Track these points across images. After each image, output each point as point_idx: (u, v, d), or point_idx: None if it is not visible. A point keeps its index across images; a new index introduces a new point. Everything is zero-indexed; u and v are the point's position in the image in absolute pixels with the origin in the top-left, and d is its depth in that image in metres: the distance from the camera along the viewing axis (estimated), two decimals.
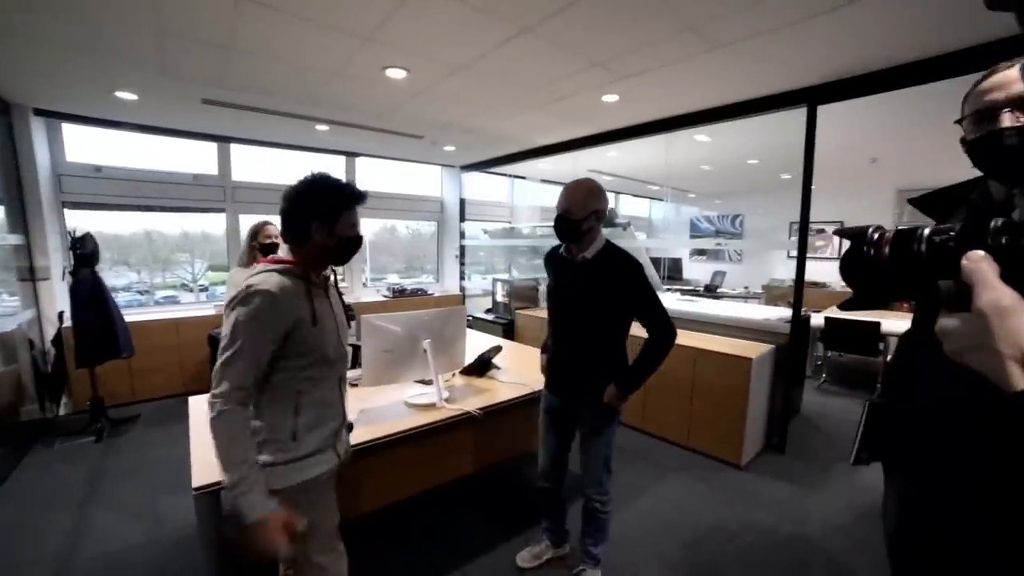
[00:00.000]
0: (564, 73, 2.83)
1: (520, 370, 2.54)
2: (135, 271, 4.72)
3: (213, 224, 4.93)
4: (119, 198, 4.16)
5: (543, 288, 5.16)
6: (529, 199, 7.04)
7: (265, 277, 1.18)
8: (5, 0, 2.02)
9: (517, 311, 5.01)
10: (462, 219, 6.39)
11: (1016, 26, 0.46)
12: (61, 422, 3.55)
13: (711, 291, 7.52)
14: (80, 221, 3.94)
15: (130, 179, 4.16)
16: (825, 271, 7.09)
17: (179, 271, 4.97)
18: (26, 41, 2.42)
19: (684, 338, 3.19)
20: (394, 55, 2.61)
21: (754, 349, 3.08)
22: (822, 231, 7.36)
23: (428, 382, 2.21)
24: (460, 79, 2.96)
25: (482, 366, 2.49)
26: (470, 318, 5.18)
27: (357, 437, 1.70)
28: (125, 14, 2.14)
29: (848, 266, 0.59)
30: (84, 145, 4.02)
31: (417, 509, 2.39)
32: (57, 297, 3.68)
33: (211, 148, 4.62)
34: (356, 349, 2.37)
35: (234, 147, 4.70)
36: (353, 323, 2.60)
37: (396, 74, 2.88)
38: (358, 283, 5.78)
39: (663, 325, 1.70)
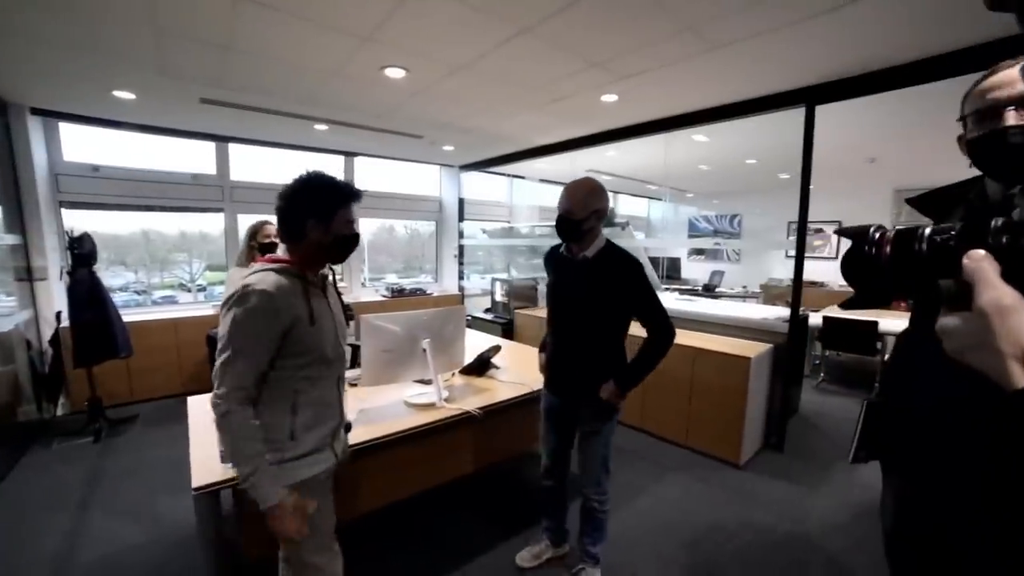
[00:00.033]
0: (563, 73, 2.83)
1: (519, 370, 2.55)
2: (132, 271, 4.71)
3: (211, 224, 4.91)
4: (117, 198, 4.14)
5: (542, 288, 5.16)
6: (528, 199, 7.04)
7: (262, 276, 1.18)
8: (5, 0, 2.01)
9: (516, 311, 5.01)
10: (461, 219, 6.39)
11: (1017, 26, 0.46)
12: (59, 422, 3.54)
13: (709, 291, 7.53)
14: (77, 221, 3.93)
15: (128, 179, 4.15)
16: (823, 271, 7.12)
17: (177, 271, 4.96)
18: (25, 41, 2.41)
19: (683, 338, 3.19)
20: (393, 55, 2.60)
21: (752, 348, 3.09)
22: (820, 231, 7.38)
23: (427, 382, 2.21)
24: (459, 79, 2.96)
25: (481, 366, 2.49)
26: (469, 318, 5.18)
27: (357, 437, 1.70)
28: (124, 14, 2.13)
29: (849, 265, 0.59)
30: (82, 145, 4.00)
31: (416, 509, 2.39)
32: (55, 297, 3.67)
33: (209, 148, 4.60)
34: (355, 349, 2.37)
35: (233, 147, 4.69)
36: (352, 323, 2.60)
37: (395, 74, 2.87)
38: (357, 283, 5.77)
39: (662, 325, 1.71)
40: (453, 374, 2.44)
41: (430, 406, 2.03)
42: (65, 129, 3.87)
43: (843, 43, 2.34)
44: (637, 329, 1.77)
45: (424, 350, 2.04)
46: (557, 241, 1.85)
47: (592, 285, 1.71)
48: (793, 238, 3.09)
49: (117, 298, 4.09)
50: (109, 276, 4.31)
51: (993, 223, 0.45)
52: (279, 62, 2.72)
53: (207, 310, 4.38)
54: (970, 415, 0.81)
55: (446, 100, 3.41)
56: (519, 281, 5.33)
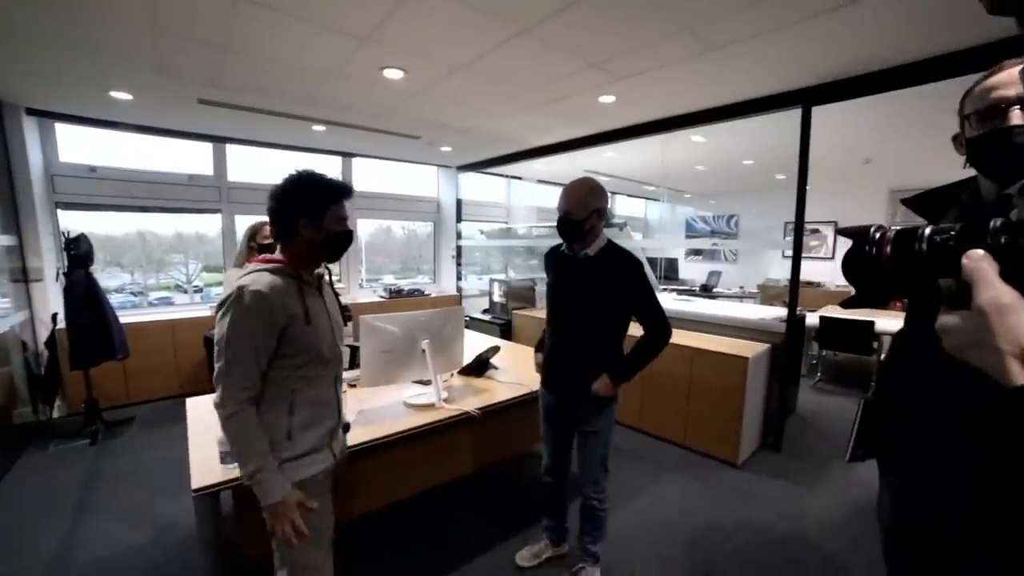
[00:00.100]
0: (562, 74, 2.84)
1: (518, 370, 2.55)
2: (128, 272, 4.69)
3: (208, 225, 4.90)
4: (114, 199, 4.12)
5: (540, 288, 5.17)
6: (525, 199, 7.04)
7: (256, 277, 1.18)
8: (5, 0, 2.00)
9: (514, 311, 5.01)
10: (459, 219, 6.38)
11: (1016, 29, 0.47)
12: (55, 425, 3.52)
13: (707, 291, 7.56)
14: (71, 221, 3.91)
15: (125, 179, 4.13)
16: (820, 271, 7.16)
17: (173, 272, 4.94)
18: (24, 40, 2.40)
19: (680, 338, 3.21)
20: (392, 55, 2.60)
21: (750, 348, 3.10)
22: (816, 231, 7.43)
23: (427, 382, 2.21)
24: (458, 79, 2.96)
25: (480, 366, 2.49)
26: (467, 319, 5.18)
27: (356, 437, 1.70)
28: (123, 13, 2.13)
29: (850, 265, 0.60)
30: (78, 145, 3.98)
31: (416, 509, 2.39)
32: (50, 299, 3.65)
33: (207, 148, 4.59)
34: (354, 350, 2.37)
35: (230, 147, 4.68)
36: (350, 324, 2.60)
37: (394, 74, 2.87)
38: (354, 284, 5.77)
39: (660, 324, 1.72)
40: (452, 375, 2.44)
41: (429, 407, 2.03)
42: (61, 129, 3.85)
43: (841, 44, 2.35)
44: (636, 330, 1.78)
45: (423, 351, 2.04)
46: (555, 242, 1.86)
47: (594, 283, 1.72)
48: (790, 238, 3.10)
49: (113, 300, 4.07)
50: (105, 277, 4.29)
51: (992, 223, 0.46)
52: (277, 62, 2.71)
53: (204, 311, 4.36)
54: (968, 412, 0.82)
55: (444, 100, 3.42)
56: (517, 282, 5.34)
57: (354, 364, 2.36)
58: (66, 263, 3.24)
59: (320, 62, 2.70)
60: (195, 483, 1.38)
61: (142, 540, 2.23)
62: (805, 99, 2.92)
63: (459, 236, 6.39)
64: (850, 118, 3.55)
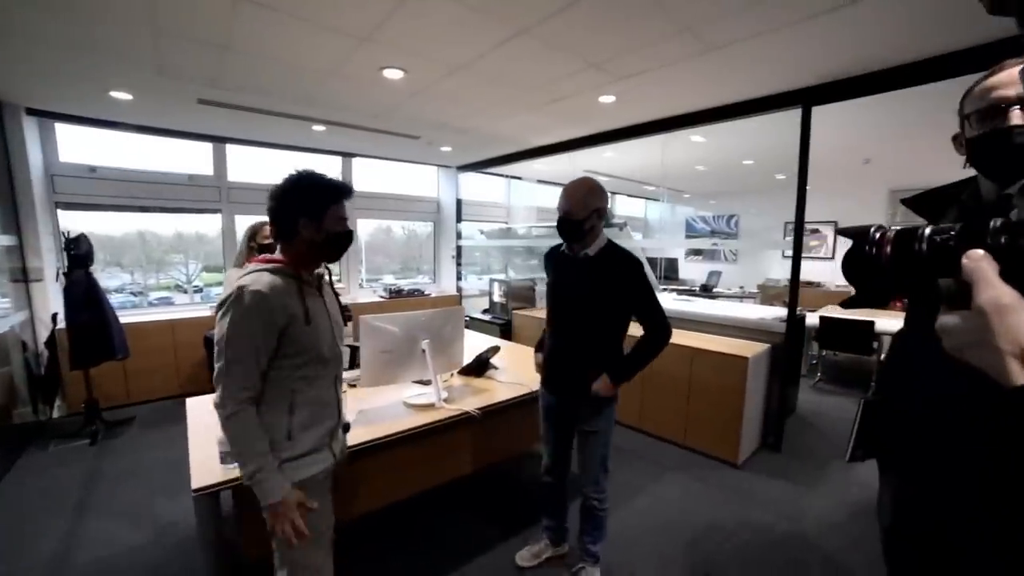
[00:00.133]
0: (562, 74, 2.84)
1: (518, 370, 2.55)
2: (128, 272, 4.69)
3: (208, 225, 4.90)
4: (113, 199, 4.12)
5: (540, 288, 5.17)
6: (525, 199, 7.04)
7: (256, 277, 1.18)
8: (5, 0, 2.00)
9: (514, 311, 5.02)
10: (458, 219, 6.38)
11: (1016, 29, 0.47)
12: (55, 425, 3.52)
13: (707, 291, 7.56)
14: (71, 221, 3.91)
15: (125, 179, 4.13)
16: (819, 271, 7.16)
17: (173, 272, 4.94)
18: (24, 41, 2.40)
19: (681, 338, 3.21)
20: (392, 55, 2.60)
21: (750, 348, 3.10)
22: (816, 231, 7.43)
23: (427, 382, 2.21)
24: (458, 79, 2.96)
25: (480, 366, 2.49)
26: (467, 319, 5.18)
27: (356, 437, 1.70)
28: (124, 14, 2.13)
29: (850, 265, 0.60)
30: (78, 145, 3.98)
31: (416, 509, 2.39)
32: (50, 299, 3.65)
33: (207, 149, 4.59)
34: (354, 350, 2.37)
35: (230, 147, 4.68)
36: (350, 324, 2.60)
37: (393, 74, 2.87)
38: (354, 284, 5.77)
39: (660, 324, 1.73)
40: (452, 375, 2.44)
41: (429, 407, 2.03)
42: (61, 130, 3.85)
43: (841, 44, 2.35)
44: (636, 330, 1.78)
45: (423, 351, 2.04)
46: (555, 242, 1.86)
47: (594, 283, 1.72)
48: (790, 238, 3.10)
49: (113, 300, 4.08)
50: (105, 277, 4.29)
51: (992, 223, 0.46)
52: (277, 62, 2.71)
53: (204, 311, 4.36)
54: (968, 412, 0.82)
55: (444, 100, 3.42)
56: (517, 282, 5.34)
57: (354, 364, 2.36)
58: (66, 263, 3.24)
59: (320, 62, 2.70)
60: (195, 483, 1.38)
61: (142, 540, 2.23)
62: (805, 99, 2.92)
63: (459, 236, 6.39)
64: (850, 118, 3.55)
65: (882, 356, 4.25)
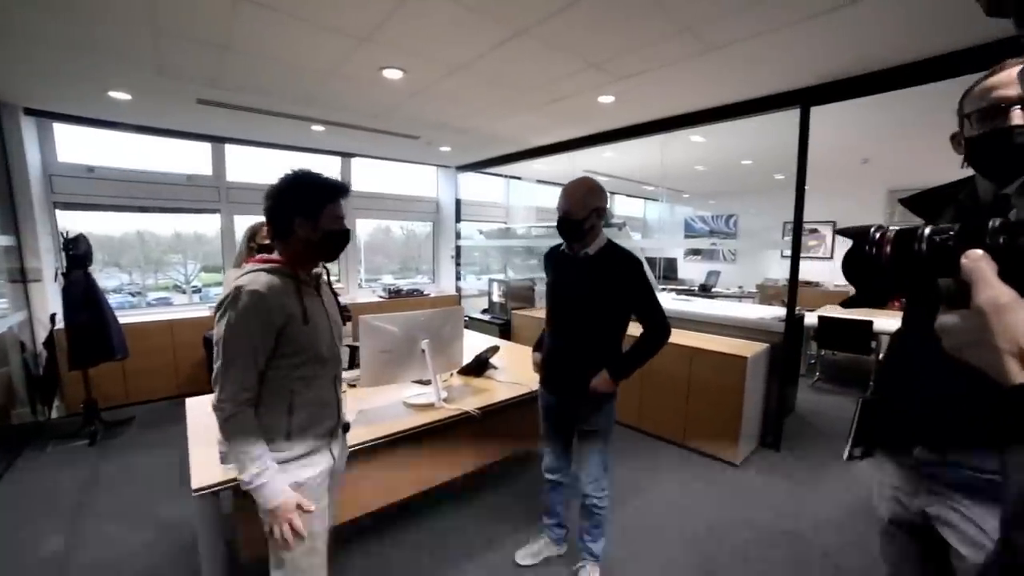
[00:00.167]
0: (561, 74, 2.84)
1: (517, 370, 2.55)
2: (127, 272, 4.68)
3: (206, 225, 4.89)
4: (112, 199, 4.12)
5: (539, 288, 5.17)
6: (525, 200, 7.05)
7: (253, 277, 1.18)
8: (5, 0, 2.00)
9: (513, 311, 5.02)
10: (458, 219, 6.38)
11: (1015, 30, 0.47)
12: (53, 425, 3.51)
13: (706, 291, 7.58)
14: (69, 222, 3.90)
15: (123, 179, 4.12)
16: (818, 270, 7.17)
17: (172, 272, 4.93)
18: (24, 41, 2.39)
19: (680, 337, 3.22)
20: (392, 55, 2.60)
21: (749, 348, 3.11)
22: (815, 231, 7.44)
23: (426, 382, 2.21)
24: (458, 79, 2.96)
25: (480, 366, 2.50)
26: (467, 319, 5.18)
27: (356, 437, 1.70)
28: (124, 13, 2.12)
29: (850, 265, 0.60)
30: (76, 145, 3.97)
31: (416, 509, 2.39)
32: (49, 299, 3.64)
33: (206, 149, 4.58)
34: (354, 350, 2.37)
35: (229, 147, 4.68)
36: (349, 324, 2.60)
37: (393, 74, 2.87)
38: (353, 284, 5.77)
39: (659, 323, 1.73)
40: (452, 374, 2.45)
41: (429, 406, 2.04)
42: (60, 130, 3.84)
43: (841, 44, 2.36)
44: (635, 329, 1.78)
45: (423, 351, 2.05)
46: (554, 241, 1.86)
47: (594, 282, 1.73)
48: (789, 238, 3.11)
49: (111, 300, 4.07)
50: (103, 278, 4.28)
51: (991, 223, 0.46)
52: (277, 62, 2.71)
53: (203, 312, 4.35)
54: (968, 412, 0.83)
55: (444, 101, 3.42)
56: (516, 282, 5.34)
57: (354, 364, 2.37)
58: (64, 263, 3.24)
59: (319, 62, 2.70)
60: (195, 483, 1.38)
61: (142, 540, 2.23)
62: (804, 99, 2.93)
63: (458, 236, 6.39)
64: (849, 118, 3.56)
65: (880, 356, 4.26)
